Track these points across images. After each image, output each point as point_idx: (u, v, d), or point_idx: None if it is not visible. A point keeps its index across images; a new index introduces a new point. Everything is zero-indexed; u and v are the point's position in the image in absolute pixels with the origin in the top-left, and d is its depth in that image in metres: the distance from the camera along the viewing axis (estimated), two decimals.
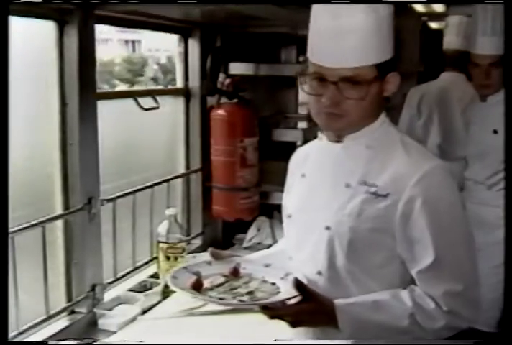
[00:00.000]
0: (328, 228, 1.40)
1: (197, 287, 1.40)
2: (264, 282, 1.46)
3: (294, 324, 1.37)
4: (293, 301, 1.34)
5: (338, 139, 1.44)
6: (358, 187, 1.38)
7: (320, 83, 1.37)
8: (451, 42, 3.27)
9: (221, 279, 1.45)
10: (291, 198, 1.57)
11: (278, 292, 1.40)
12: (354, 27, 1.31)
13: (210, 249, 1.56)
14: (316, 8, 1.37)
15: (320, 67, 1.36)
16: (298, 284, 1.34)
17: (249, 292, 1.39)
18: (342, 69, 1.33)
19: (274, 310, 1.35)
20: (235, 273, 1.48)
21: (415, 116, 3.20)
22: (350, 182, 1.39)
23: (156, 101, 2.52)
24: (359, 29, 1.32)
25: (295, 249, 1.51)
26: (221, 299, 1.36)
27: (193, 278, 1.42)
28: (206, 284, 1.42)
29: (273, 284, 1.45)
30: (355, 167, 1.40)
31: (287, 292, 1.37)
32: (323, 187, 1.45)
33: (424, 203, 1.33)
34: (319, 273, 1.43)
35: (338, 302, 1.36)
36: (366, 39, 1.32)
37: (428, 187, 1.33)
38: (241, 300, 1.36)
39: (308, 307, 1.34)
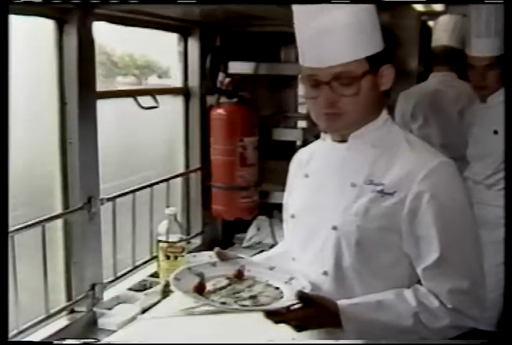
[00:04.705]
0: (335, 228, 1.40)
1: (200, 290, 1.39)
2: (268, 285, 1.45)
3: (299, 328, 1.37)
4: (296, 306, 1.33)
5: (342, 138, 1.43)
6: (364, 186, 1.38)
7: (314, 86, 1.37)
8: (439, 38, 3.26)
9: (225, 282, 1.44)
10: (294, 198, 1.56)
11: (281, 297, 1.39)
12: (335, 24, 1.32)
13: (216, 249, 1.55)
14: (296, 11, 1.37)
15: (311, 70, 1.37)
16: (301, 297, 1.32)
17: (252, 297, 1.39)
18: (332, 67, 1.33)
19: (278, 316, 1.34)
20: (239, 275, 1.48)
21: (408, 121, 3.17)
22: (356, 182, 1.39)
23: (156, 100, 2.52)
24: (340, 24, 1.32)
25: (300, 249, 1.50)
26: (223, 303, 1.35)
27: (196, 280, 1.41)
28: (209, 286, 1.41)
29: (277, 288, 1.44)
30: (361, 166, 1.40)
31: (290, 297, 1.36)
32: (328, 187, 1.44)
33: (431, 199, 1.33)
34: (325, 273, 1.42)
35: (342, 302, 1.35)
36: (349, 34, 1.33)
37: (435, 183, 1.33)
38: (243, 305, 1.35)
39: (313, 312, 1.33)
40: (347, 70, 1.33)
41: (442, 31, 3.25)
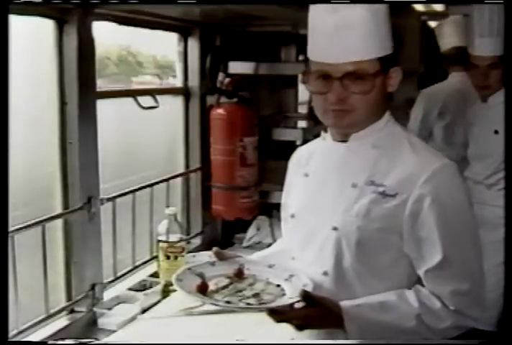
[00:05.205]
0: (335, 228, 1.39)
1: (203, 290, 1.39)
2: (269, 283, 1.45)
3: (301, 327, 1.36)
4: (300, 304, 1.33)
5: (343, 138, 1.43)
6: (365, 187, 1.38)
7: (324, 81, 1.36)
8: (448, 41, 3.27)
9: (226, 281, 1.44)
10: (294, 197, 1.56)
11: (283, 294, 1.39)
12: (354, 22, 1.32)
13: (214, 249, 1.55)
14: (313, 7, 1.37)
15: (323, 65, 1.36)
16: (305, 296, 1.32)
17: (255, 295, 1.38)
18: (346, 64, 1.33)
19: (282, 314, 1.33)
20: (239, 274, 1.47)
21: (434, 120, 3.18)
22: (357, 182, 1.39)
23: (156, 100, 2.52)
24: (359, 23, 1.32)
25: (300, 249, 1.50)
26: (228, 302, 1.35)
27: (198, 280, 1.41)
28: (211, 286, 1.41)
29: (278, 285, 1.44)
30: (361, 166, 1.40)
31: (292, 295, 1.36)
32: (328, 187, 1.44)
33: (433, 202, 1.33)
34: (325, 273, 1.42)
35: (344, 304, 1.35)
36: (367, 33, 1.33)
37: (437, 186, 1.34)
38: (248, 303, 1.35)
39: (316, 312, 1.33)
40: (361, 67, 1.33)
41: (449, 33, 3.26)
